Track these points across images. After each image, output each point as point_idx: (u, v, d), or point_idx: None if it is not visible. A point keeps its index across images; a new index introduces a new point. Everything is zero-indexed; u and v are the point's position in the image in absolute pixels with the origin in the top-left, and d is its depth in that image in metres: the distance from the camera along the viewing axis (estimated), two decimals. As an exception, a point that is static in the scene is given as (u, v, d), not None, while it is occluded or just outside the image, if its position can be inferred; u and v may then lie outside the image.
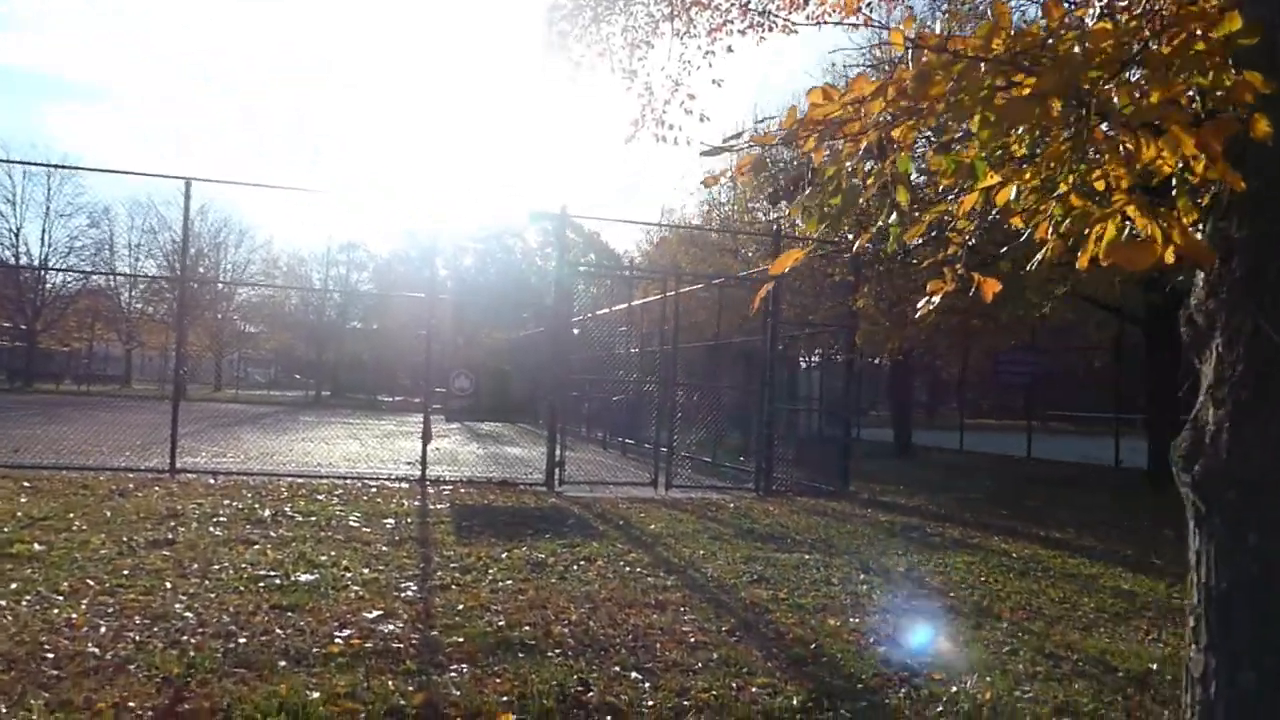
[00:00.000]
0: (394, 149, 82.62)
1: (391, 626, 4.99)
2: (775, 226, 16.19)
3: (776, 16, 8.54)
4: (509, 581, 6.27)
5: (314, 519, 8.44)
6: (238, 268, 55.78)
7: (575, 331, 21.40)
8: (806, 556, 7.87)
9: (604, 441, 21.47)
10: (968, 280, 3.63)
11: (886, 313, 15.04)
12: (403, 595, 5.71)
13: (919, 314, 3.80)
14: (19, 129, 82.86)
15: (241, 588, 5.65)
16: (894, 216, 3.03)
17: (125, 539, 7.01)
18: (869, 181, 2.89)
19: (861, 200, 2.98)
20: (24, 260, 49.26)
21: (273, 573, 6.09)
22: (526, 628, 5.09)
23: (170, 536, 7.19)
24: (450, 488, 11.67)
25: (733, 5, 8.39)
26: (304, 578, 6.00)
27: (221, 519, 8.19)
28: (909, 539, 9.31)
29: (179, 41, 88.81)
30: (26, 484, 9.93)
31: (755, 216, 25.76)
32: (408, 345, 42.98)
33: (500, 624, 5.14)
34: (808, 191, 3.00)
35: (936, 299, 3.67)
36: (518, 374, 14.42)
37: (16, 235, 49.95)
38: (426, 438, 12.80)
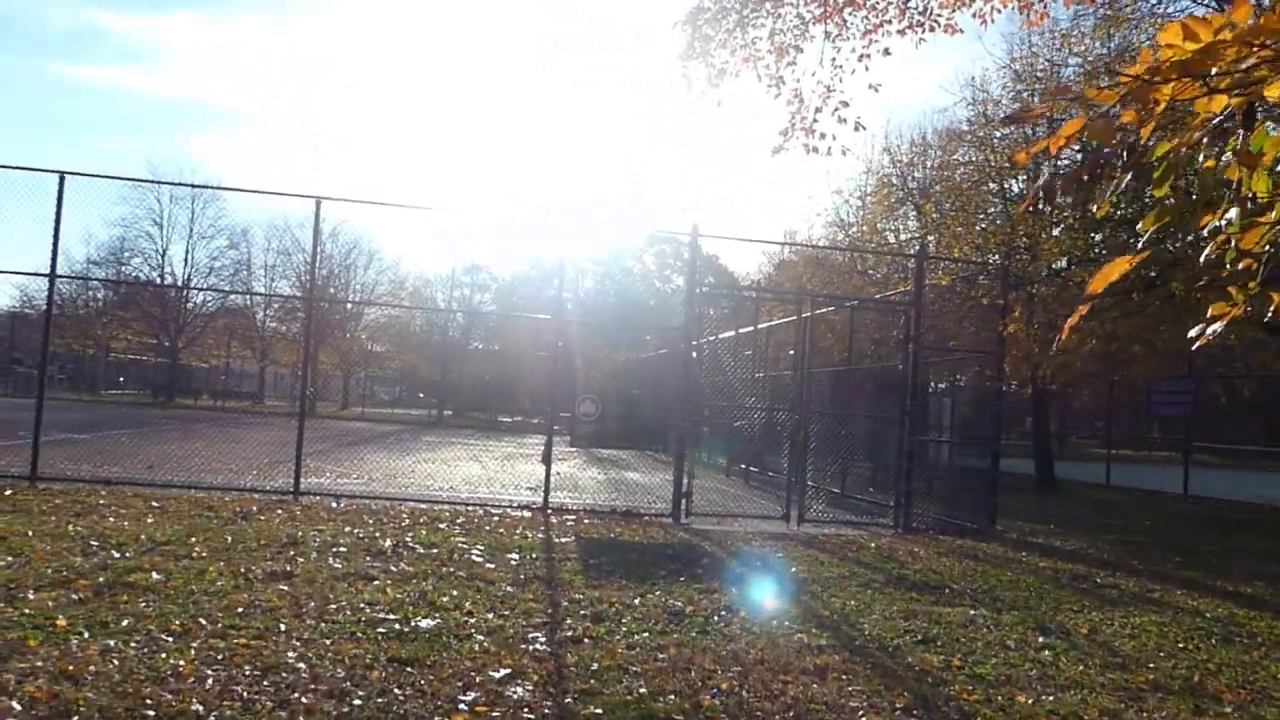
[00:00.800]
0: (512, 170, 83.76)
1: (520, 690, 4.44)
2: (919, 244, 15.31)
3: (939, 16, 7.80)
4: (645, 634, 5.66)
5: (435, 551, 8.02)
6: (366, 288, 57.12)
7: (694, 355, 20.82)
8: (972, 612, 7.04)
9: (727, 469, 20.79)
10: (1263, 301, 2.89)
11: (1040, 338, 13.97)
12: (531, 649, 5.16)
13: (1195, 343, 3.06)
14: (170, 157, 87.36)
15: (359, 634, 5.19)
16: (1233, 213, 2.30)
17: (243, 569, 6.69)
18: (1208, 164, 2.18)
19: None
20: (169, 280, 51.48)
21: (392, 615, 5.64)
22: (671, 696, 4.47)
23: (289, 568, 6.84)
24: (574, 518, 11.18)
25: (890, 4, 7.69)
26: (425, 623, 5.51)
27: (341, 549, 7.84)
28: (1080, 591, 8.35)
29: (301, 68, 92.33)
30: (155, 504, 9.84)
31: (884, 238, 24.74)
32: (528, 366, 43.11)
33: (641, 690, 4.53)
34: (1124, 178, 2.31)
35: (1219, 325, 2.93)
36: (644, 398, 13.88)
37: (163, 256, 52.30)
38: (548, 461, 12.37)
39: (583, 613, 6.12)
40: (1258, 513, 17.54)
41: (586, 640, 5.42)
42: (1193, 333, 3.05)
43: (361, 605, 5.86)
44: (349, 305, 53.77)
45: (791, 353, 20.41)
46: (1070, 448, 45.32)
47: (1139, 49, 14.01)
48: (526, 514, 11.22)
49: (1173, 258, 12.93)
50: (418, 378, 64.67)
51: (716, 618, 6.28)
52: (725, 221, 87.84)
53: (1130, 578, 9.32)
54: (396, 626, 5.40)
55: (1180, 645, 6.42)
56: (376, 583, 6.58)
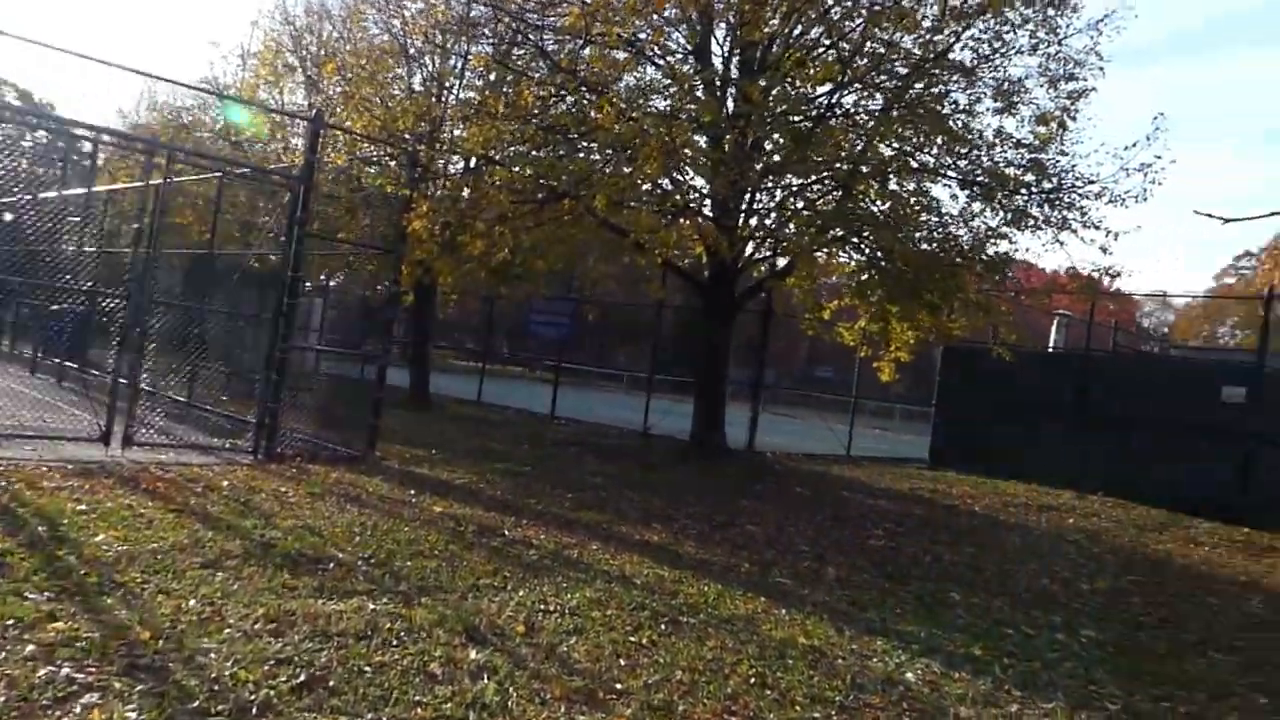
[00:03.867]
0: None
1: None
2: (315, 110, 12.59)
3: None
4: None
5: None
6: None
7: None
8: (372, 606, 4.94)
9: (34, 364, 16.22)
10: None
11: (443, 239, 12.24)
12: None
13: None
14: None
15: None
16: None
17: None
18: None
19: None
20: None
21: None
22: None
23: None
24: None
25: None
26: None
27: None
28: (493, 552, 6.74)
29: None
30: None
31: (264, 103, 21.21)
32: None
33: None
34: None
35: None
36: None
37: None
38: None
39: None
40: (614, 435, 18.10)
41: None
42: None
43: None
44: None
45: (137, 227, 16.46)
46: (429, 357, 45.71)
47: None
48: None
49: (588, 171, 12.04)
50: None
51: (-80, 671, 3.36)
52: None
53: (538, 527, 8.00)
54: None
55: (634, 639, 5.02)
56: None
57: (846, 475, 15.61)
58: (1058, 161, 12.65)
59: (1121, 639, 6.82)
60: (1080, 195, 12.46)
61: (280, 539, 6.21)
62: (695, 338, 16.18)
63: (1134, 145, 11.79)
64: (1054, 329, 22.58)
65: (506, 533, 7.57)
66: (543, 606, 5.43)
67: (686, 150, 10.09)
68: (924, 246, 11.85)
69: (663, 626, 5.35)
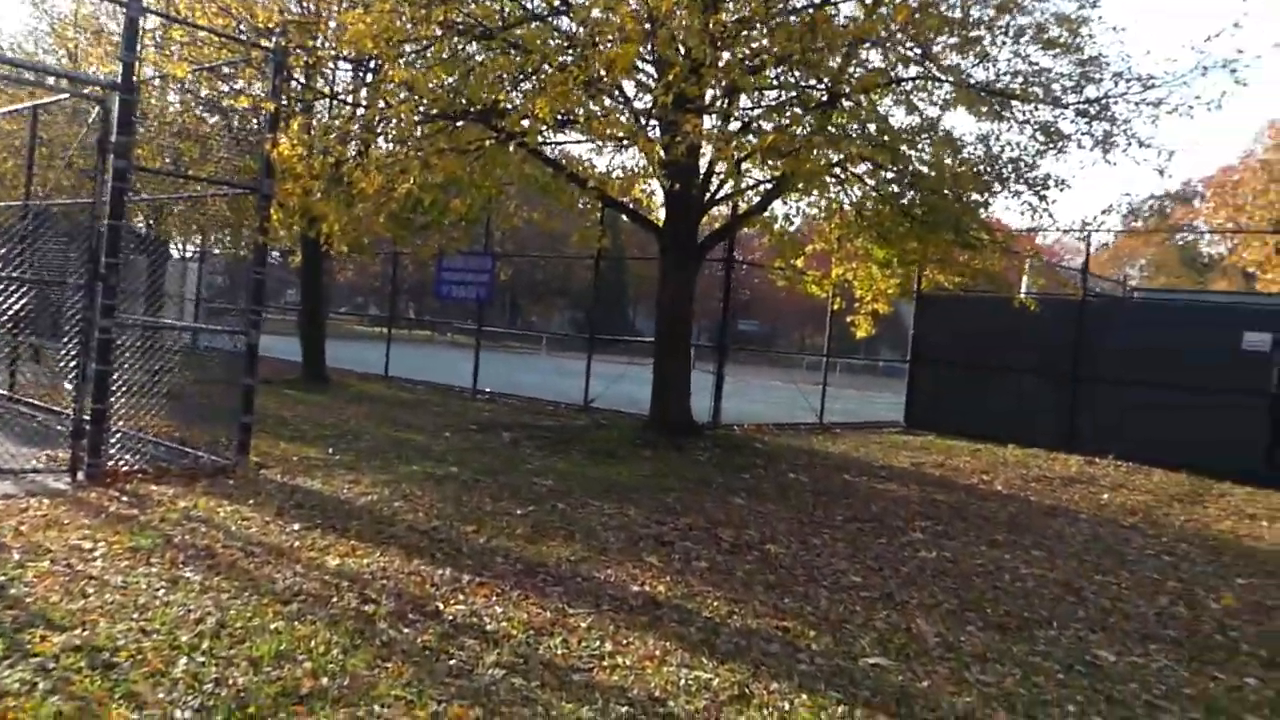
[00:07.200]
0: None
1: None
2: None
3: None
4: None
5: None
6: None
7: None
8: None
9: None
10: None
11: (330, 173, 9.17)
12: None
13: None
14: None
15: None
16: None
17: None
18: None
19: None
20: None
21: None
22: None
23: None
24: None
25: None
26: None
27: None
28: (424, 667, 3.98)
29: None
30: None
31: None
32: None
33: None
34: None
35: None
36: None
37: None
38: None
39: None
40: (550, 413, 15.33)
41: None
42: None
43: None
44: None
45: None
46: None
47: None
48: None
49: (515, 80, 9.17)
50: None
51: None
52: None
53: (490, 587, 5.24)
54: None
55: None
56: None
57: (833, 450, 13.14)
58: (1102, 63, 10.12)
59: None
60: (1132, 105, 10.00)
61: (15, 697, 3.32)
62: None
63: (1216, 35, 9.33)
64: (1026, 274, 20.44)
65: (442, 607, 4.80)
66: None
67: (678, 20, 7.23)
68: (960, 168, 9.29)
69: None
